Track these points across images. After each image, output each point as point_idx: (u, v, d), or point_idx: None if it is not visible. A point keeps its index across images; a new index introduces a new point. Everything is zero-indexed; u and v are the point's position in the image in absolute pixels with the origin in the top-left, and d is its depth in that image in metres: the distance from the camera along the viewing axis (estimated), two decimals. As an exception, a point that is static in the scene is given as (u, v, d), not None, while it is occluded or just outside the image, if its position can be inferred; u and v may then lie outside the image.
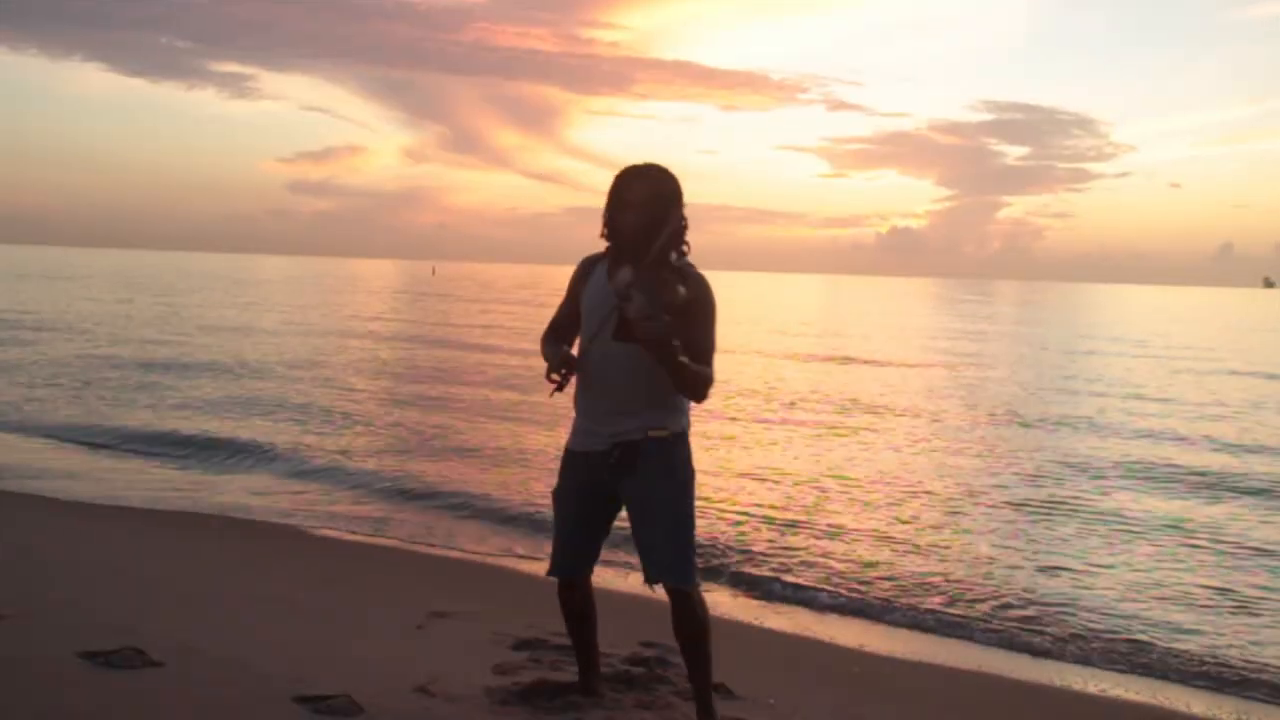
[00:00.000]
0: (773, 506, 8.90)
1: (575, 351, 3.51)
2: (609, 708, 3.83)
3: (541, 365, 3.45)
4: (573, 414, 3.58)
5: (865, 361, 23.45)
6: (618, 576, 5.95)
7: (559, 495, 3.62)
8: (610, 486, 3.48)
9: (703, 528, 7.79)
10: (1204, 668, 5.50)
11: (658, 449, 3.41)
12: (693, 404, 3.48)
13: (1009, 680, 5.25)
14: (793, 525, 8.26)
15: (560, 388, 3.40)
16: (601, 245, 3.48)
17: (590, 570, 3.73)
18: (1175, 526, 8.62)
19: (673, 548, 3.43)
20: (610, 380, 3.40)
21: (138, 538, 7.05)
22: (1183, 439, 13.33)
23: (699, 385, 3.32)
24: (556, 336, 3.57)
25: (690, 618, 3.48)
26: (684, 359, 3.17)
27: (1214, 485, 10.34)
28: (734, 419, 14.01)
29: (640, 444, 3.40)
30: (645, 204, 3.33)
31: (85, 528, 7.19)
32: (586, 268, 3.53)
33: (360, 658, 4.45)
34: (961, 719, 4.67)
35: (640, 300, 3.07)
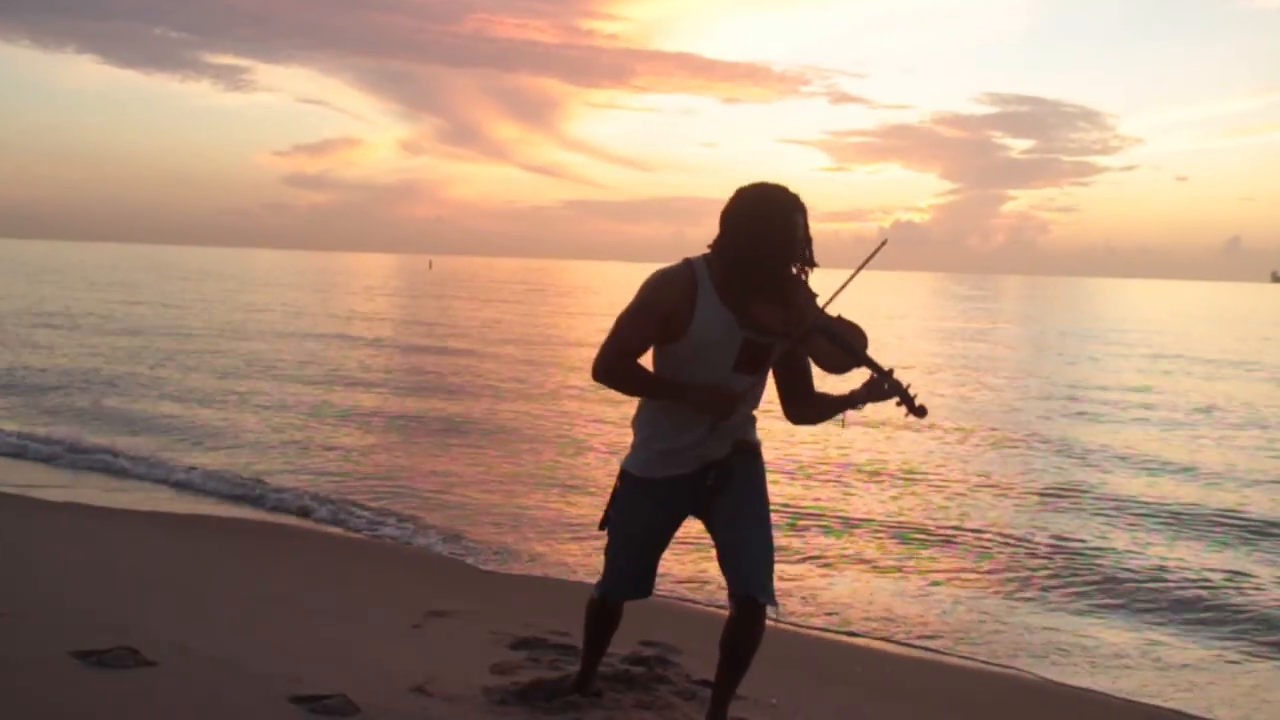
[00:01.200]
0: (774, 503, 8.94)
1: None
2: (608, 707, 3.83)
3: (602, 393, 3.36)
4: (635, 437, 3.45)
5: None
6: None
7: (636, 524, 3.46)
8: (695, 508, 3.42)
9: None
10: (1213, 667, 5.50)
11: (748, 458, 3.39)
12: None
13: (1014, 678, 5.26)
14: (795, 521, 8.32)
15: (715, 427, 3.27)
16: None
17: (653, 589, 3.61)
18: (1183, 522, 8.60)
19: (766, 560, 3.35)
20: (725, 419, 3.27)
21: (130, 536, 7.05)
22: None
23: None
24: (630, 359, 3.31)
25: (759, 632, 3.35)
26: None
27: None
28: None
29: (730, 459, 3.35)
30: (807, 239, 3.24)
31: (76, 526, 7.20)
32: (685, 288, 3.23)
33: (357, 657, 4.45)
34: (966, 718, 4.68)
35: (837, 348, 3.15)
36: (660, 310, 3.23)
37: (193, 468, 9.71)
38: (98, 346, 20.75)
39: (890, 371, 3.17)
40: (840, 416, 3.34)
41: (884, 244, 3.30)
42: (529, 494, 9.10)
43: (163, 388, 15.34)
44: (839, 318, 3.21)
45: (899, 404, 3.15)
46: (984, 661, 5.48)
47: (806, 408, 3.38)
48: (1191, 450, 12.30)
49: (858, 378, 3.22)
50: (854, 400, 3.23)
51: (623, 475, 3.48)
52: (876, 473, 10.46)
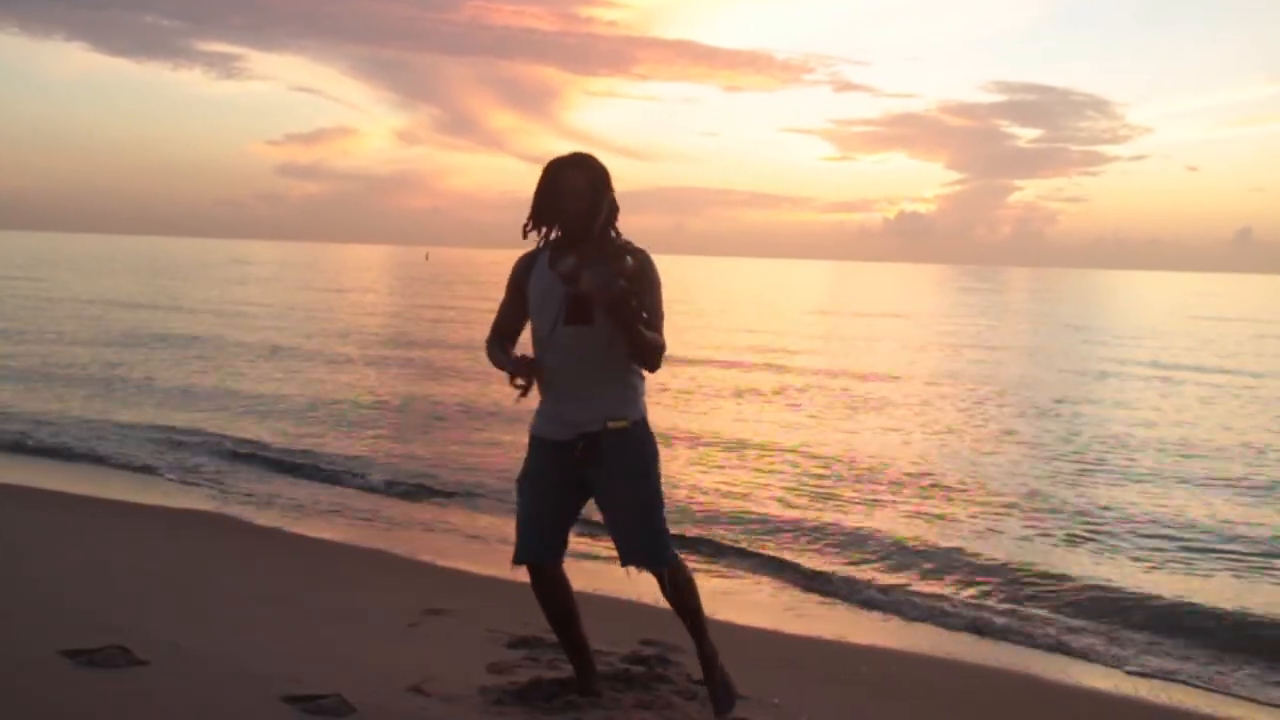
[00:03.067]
0: (778, 498, 8.99)
1: (527, 346, 3.72)
2: (608, 707, 3.84)
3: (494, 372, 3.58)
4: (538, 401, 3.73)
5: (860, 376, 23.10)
6: (612, 570, 5.96)
7: (527, 481, 3.72)
8: (578, 475, 3.64)
9: (710, 521, 7.94)
10: (1216, 669, 5.50)
11: (619, 441, 3.60)
12: (648, 378, 3.70)
13: (1019, 676, 5.27)
14: (796, 519, 8.33)
15: (525, 392, 3.59)
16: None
17: (560, 559, 3.78)
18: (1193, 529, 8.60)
19: (642, 534, 3.64)
20: (569, 367, 3.57)
21: (122, 532, 7.06)
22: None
23: (655, 352, 3.55)
24: (501, 337, 3.77)
25: (676, 589, 3.72)
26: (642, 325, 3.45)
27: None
28: (743, 420, 13.97)
29: (601, 436, 3.58)
30: (584, 192, 3.57)
31: (66, 520, 7.20)
32: (526, 264, 3.70)
33: (352, 656, 4.45)
34: (971, 718, 4.69)
35: (593, 273, 3.38)
36: (512, 284, 3.73)
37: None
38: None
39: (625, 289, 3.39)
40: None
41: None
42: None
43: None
44: (615, 259, 3.45)
45: (636, 304, 3.41)
46: (990, 659, 5.47)
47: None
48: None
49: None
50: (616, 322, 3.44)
51: (529, 437, 3.76)
52: (883, 477, 10.43)
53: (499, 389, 15.72)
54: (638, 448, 3.64)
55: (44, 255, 79.46)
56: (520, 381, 3.56)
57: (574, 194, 3.56)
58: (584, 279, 3.39)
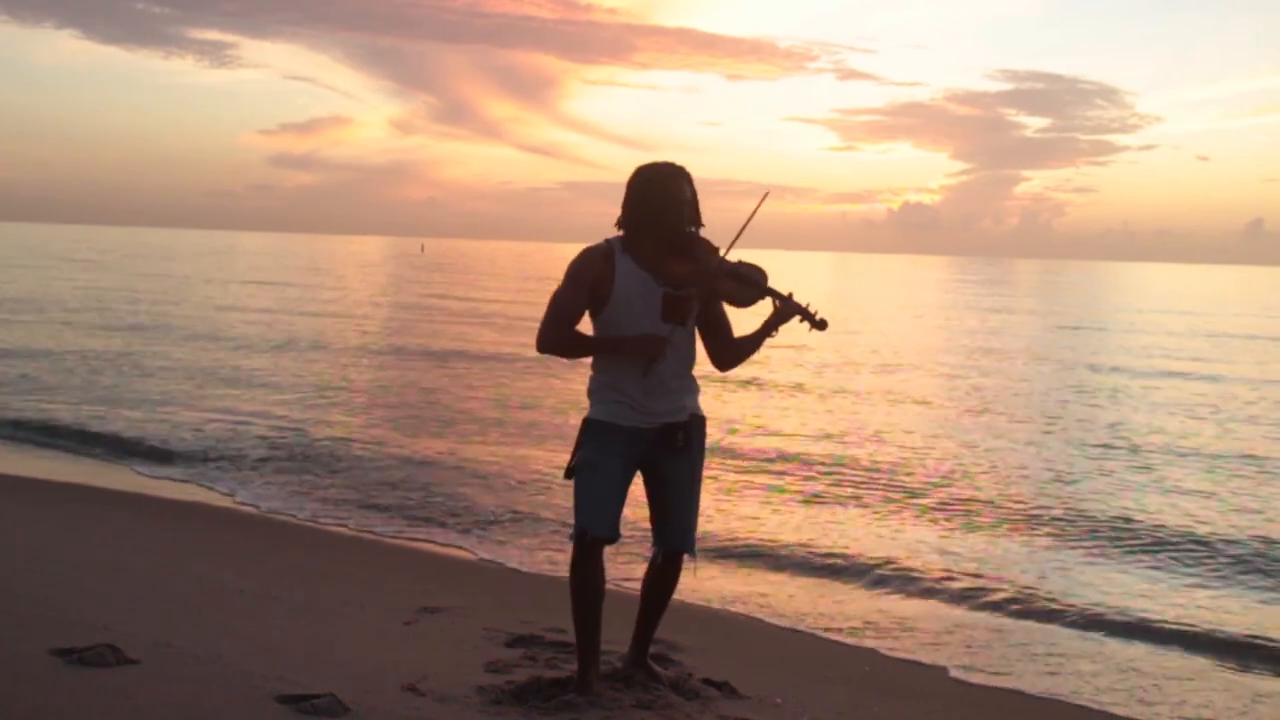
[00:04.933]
0: (783, 493, 8.99)
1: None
2: (607, 707, 3.83)
3: (543, 362, 3.63)
4: (599, 390, 3.91)
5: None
6: (612, 570, 5.96)
7: (599, 463, 3.85)
8: (650, 462, 3.91)
9: (711, 518, 7.91)
10: (1221, 673, 5.49)
11: (699, 430, 3.98)
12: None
13: (1029, 687, 5.24)
14: (800, 515, 8.34)
15: (654, 366, 3.80)
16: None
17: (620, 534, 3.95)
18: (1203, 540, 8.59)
19: (694, 520, 4.03)
20: (664, 363, 3.82)
21: (112, 527, 7.06)
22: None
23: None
24: (565, 328, 3.89)
25: (676, 578, 4.10)
26: None
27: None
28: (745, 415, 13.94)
29: (689, 425, 3.92)
30: (690, 202, 3.88)
31: (54, 515, 7.20)
32: (602, 262, 3.84)
33: (346, 655, 4.45)
34: (976, 718, 4.68)
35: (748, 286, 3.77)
36: (586, 281, 3.85)
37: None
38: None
39: (790, 295, 3.83)
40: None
41: (766, 195, 4.00)
42: (528, 484, 9.10)
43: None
44: (740, 262, 3.81)
45: (802, 320, 3.79)
46: (988, 670, 5.44)
47: (730, 352, 4.01)
48: None
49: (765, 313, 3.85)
50: (768, 328, 3.85)
51: (587, 425, 3.91)
52: (891, 475, 10.44)
53: (496, 385, 15.75)
54: (703, 439, 4.03)
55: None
56: (655, 352, 3.76)
57: (681, 204, 3.84)
58: (732, 289, 3.78)
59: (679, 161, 3.92)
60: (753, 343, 3.94)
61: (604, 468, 3.86)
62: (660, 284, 3.81)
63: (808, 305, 3.79)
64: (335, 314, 28.35)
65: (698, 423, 3.97)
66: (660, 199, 3.82)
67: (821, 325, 3.78)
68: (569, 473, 3.90)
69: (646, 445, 3.88)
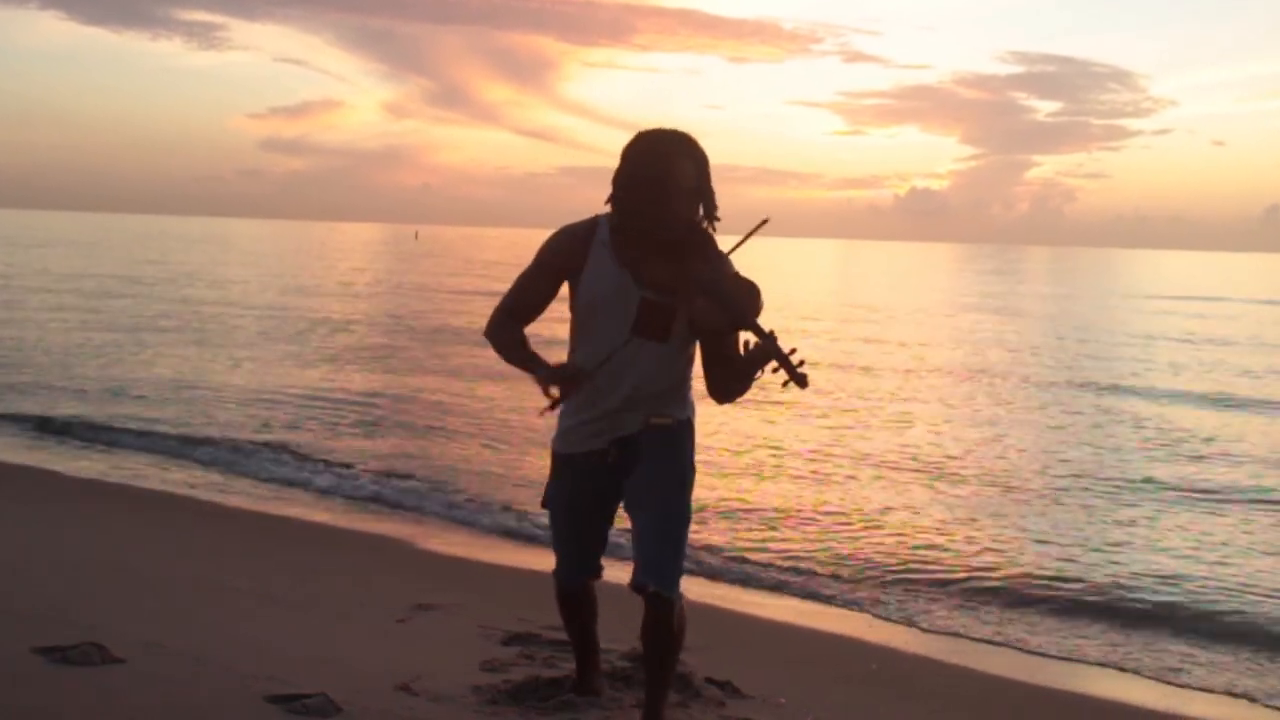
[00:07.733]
0: (784, 492, 9.00)
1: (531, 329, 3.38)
2: (606, 707, 3.82)
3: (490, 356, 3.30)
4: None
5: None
6: (612, 568, 5.95)
7: (561, 501, 3.48)
8: (614, 488, 3.39)
9: (708, 517, 7.92)
10: (1227, 675, 5.49)
11: (659, 437, 3.30)
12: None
13: (1026, 683, 5.24)
14: (801, 513, 8.35)
15: (555, 406, 3.22)
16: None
17: (601, 567, 3.66)
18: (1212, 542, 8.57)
19: (659, 545, 3.27)
20: (624, 379, 3.23)
21: (98, 522, 7.05)
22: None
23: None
24: (515, 320, 3.35)
25: (666, 629, 3.30)
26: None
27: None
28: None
29: (639, 436, 3.29)
30: (697, 187, 3.18)
31: (38, 510, 7.19)
32: (579, 245, 3.24)
33: (338, 654, 4.44)
34: (982, 717, 4.68)
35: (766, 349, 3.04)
36: (552, 264, 3.27)
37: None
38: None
39: (772, 335, 3.06)
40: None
41: (765, 221, 3.20)
42: (525, 480, 9.10)
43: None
44: (735, 275, 3.17)
45: (777, 370, 3.04)
46: (1007, 670, 5.43)
47: (721, 389, 3.26)
48: None
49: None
50: (746, 368, 3.07)
51: (552, 454, 3.50)
52: (898, 474, 10.45)
53: (496, 377, 15.77)
54: (678, 449, 3.32)
55: None
56: (555, 393, 3.16)
57: (687, 191, 3.14)
58: (702, 308, 3.09)
59: None
60: (736, 379, 3.17)
61: (559, 511, 3.49)
62: (640, 286, 3.17)
63: (792, 352, 3.03)
64: (325, 298, 28.35)
65: (653, 434, 3.28)
66: (647, 175, 3.11)
67: (802, 381, 3.02)
68: (544, 503, 3.56)
69: (605, 469, 3.33)
